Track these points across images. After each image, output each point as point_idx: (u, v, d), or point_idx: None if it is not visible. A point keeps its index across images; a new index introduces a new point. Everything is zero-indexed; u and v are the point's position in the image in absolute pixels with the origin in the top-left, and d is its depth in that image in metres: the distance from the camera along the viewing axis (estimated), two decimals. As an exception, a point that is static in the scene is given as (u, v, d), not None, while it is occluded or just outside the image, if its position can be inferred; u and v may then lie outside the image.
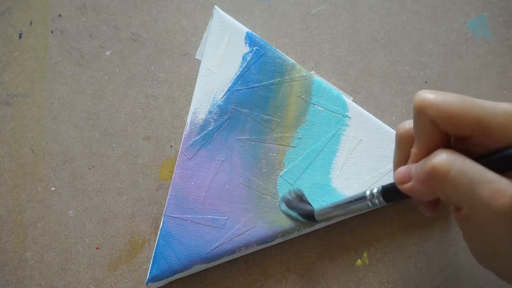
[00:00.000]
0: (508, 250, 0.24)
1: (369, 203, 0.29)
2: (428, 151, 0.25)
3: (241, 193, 0.35)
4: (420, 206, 0.29)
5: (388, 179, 0.35)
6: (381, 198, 0.28)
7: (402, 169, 0.26)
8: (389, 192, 0.28)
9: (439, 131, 0.25)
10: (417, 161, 0.26)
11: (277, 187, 0.35)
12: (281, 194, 0.35)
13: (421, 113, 0.24)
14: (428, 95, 0.24)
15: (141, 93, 0.40)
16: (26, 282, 0.36)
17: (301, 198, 0.34)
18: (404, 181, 0.26)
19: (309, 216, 0.33)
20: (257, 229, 0.34)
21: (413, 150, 0.26)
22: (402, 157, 0.28)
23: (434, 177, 0.24)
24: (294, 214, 0.34)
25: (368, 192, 0.29)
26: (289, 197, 0.34)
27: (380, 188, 0.28)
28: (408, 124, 0.28)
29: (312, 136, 0.36)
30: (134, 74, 0.41)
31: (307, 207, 0.33)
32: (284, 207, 0.34)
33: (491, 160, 0.24)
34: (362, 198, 0.29)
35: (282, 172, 0.36)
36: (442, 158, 0.23)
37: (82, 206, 0.38)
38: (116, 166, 0.39)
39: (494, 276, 0.34)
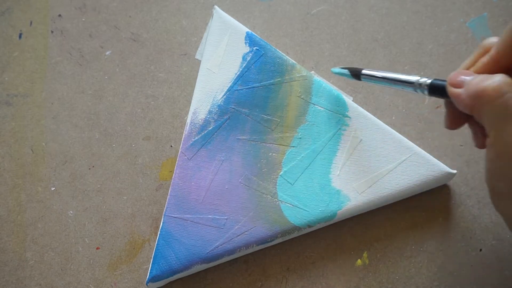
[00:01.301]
0: None
1: (414, 89, 0.29)
2: (495, 65, 0.25)
3: (241, 192, 0.35)
4: (448, 115, 0.29)
5: (388, 179, 0.35)
6: (426, 89, 0.28)
7: (461, 71, 0.26)
8: (437, 87, 0.28)
9: None
10: (481, 71, 0.26)
11: (277, 187, 0.35)
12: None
13: None
14: None
15: (141, 93, 0.40)
16: (26, 282, 0.36)
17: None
18: (455, 85, 0.26)
19: (356, 74, 0.34)
20: (257, 229, 0.34)
21: (483, 59, 0.26)
22: (470, 63, 0.28)
23: (482, 98, 0.24)
24: (344, 71, 0.35)
25: (416, 78, 0.29)
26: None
27: (430, 80, 0.28)
28: (495, 39, 0.27)
29: (312, 136, 0.36)
30: (134, 74, 0.41)
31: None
32: (336, 69, 0.36)
33: None
34: (409, 82, 0.30)
35: (282, 172, 0.36)
36: (497, 84, 0.24)
37: (82, 206, 0.38)
38: (116, 166, 0.39)
39: (493, 276, 0.34)
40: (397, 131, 0.36)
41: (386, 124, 0.37)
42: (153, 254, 0.34)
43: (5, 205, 0.38)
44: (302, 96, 0.37)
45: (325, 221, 0.35)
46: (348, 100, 0.37)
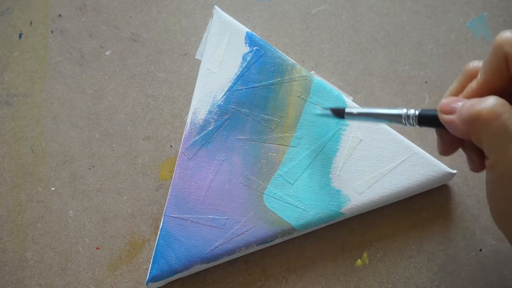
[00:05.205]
0: None
1: (403, 121, 0.28)
2: (485, 90, 0.25)
3: (241, 192, 0.35)
4: (442, 142, 0.29)
5: (388, 179, 0.35)
6: (415, 120, 0.28)
7: (451, 99, 0.26)
8: (427, 117, 0.27)
9: (507, 73, 0.24)
10: (470, 96, 0.26)
11: (277, 187, 0.35)
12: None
13: (499, 48, 0.24)
14: None
15: (141, 93, 0.40)
16: (26, 282, 0.36)
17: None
18: (447, 112, 0.26)
19: (339, 112, 0.33)
20: (257, 229, 0.34)
21: (471, 84, 0.26)
22: (457, 88, 0.28)
23: (477, 122, 0.24)
24: (327, 111, 0.34)
25: (404, 111, 0.28)
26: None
27: (419, 110, 0.28)
28: (478, 62, 0.27)
29: (312, 136, 0.36)
30: (134, 74, 0.41)
31: (339, 105, 0.35)
32: (319, 110, 0.36)
33: None
34: (397, 115, 0.28)
35: (282, 172, 0.36)
36: (491, 106, 0.23)
37: (82, 206, 0.38)
38: (116, 166, 0.39)
39: (494, 276, 0.34)
40: (397, 131, 0.36)
41: (386, 124, 0.37)
42: (153, 254, 0.34)
43: (5, 205, 0.38)
44: (302, 96, 0.37)
45: (325, 221, 0.35)
46: (348, 100, 0.37)
